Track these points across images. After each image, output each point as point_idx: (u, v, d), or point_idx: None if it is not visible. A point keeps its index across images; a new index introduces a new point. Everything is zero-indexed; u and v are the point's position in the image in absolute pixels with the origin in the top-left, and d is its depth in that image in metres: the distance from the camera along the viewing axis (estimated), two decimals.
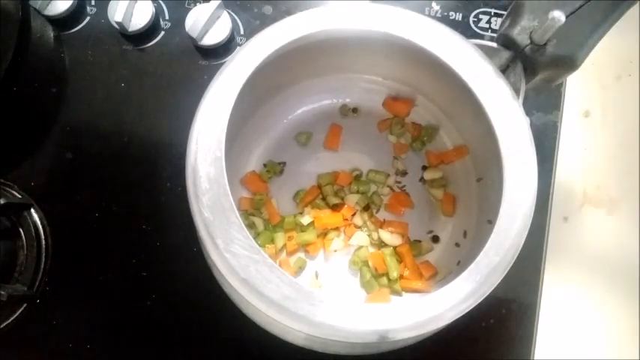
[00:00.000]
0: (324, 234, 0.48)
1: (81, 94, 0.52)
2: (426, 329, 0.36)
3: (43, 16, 0.52)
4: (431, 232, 0.48)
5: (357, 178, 0.49)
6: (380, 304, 0.42)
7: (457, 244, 0.47)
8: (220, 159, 0.37)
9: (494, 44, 0.44)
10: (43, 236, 0.48)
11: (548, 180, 0.50)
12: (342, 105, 0.50)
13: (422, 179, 0.49)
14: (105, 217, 0.49)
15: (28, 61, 0.52)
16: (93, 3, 0.53)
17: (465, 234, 0.47)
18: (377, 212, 0.49)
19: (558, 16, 0.39)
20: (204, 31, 0.51)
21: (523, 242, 0.38)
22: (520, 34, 0.43)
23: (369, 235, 0.48)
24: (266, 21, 0.53)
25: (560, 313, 0.52)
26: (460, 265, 0.45)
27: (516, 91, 0.42)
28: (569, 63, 0.44)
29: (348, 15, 0.41)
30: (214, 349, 0.47)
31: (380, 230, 0.48)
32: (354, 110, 0.50)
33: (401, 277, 0.46)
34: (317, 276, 0.47)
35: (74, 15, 0.53)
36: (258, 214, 0.47)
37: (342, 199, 0.48)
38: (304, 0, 0.54)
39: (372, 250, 0.48)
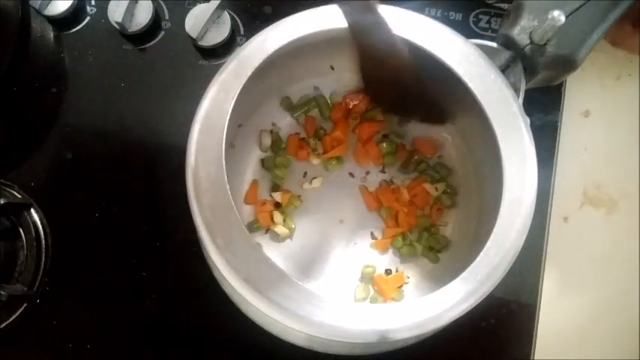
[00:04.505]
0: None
1: (81, 94, 0.52)
2: (426, 329, 0.36)
3: (43, 16, 0.52)
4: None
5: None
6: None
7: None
8: (220, 159, 0.37)
9: (494, 44, 0.44)
10: (43, 236, 0.48)
11: (548, 180, 0.50)
12: None
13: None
14: (105, 217, 0.49)
15: (28, 61, 0.52)
16: (93, 3, 0.53)
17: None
18: None
19: (558, 15, 0.39)
20: (205, 31, 0.51)
21: (523, 242, 0.38)
22: (520, 34, 0.43)
23: None
24: (266, 21, 0.53)
25: (560, 313, 0.52)
26: (460, 265, 0.45)
27: (516, 91, 0.42)
28: (569, 63, 0.44)
29: None
30: (214, 349, 0.47)
31: None
32: None
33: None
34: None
35: (74, 15, 0.53)
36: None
37: None
38: (304, 0, 0.54)
39: None
